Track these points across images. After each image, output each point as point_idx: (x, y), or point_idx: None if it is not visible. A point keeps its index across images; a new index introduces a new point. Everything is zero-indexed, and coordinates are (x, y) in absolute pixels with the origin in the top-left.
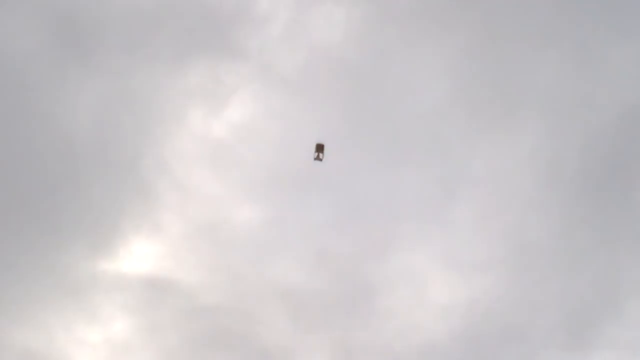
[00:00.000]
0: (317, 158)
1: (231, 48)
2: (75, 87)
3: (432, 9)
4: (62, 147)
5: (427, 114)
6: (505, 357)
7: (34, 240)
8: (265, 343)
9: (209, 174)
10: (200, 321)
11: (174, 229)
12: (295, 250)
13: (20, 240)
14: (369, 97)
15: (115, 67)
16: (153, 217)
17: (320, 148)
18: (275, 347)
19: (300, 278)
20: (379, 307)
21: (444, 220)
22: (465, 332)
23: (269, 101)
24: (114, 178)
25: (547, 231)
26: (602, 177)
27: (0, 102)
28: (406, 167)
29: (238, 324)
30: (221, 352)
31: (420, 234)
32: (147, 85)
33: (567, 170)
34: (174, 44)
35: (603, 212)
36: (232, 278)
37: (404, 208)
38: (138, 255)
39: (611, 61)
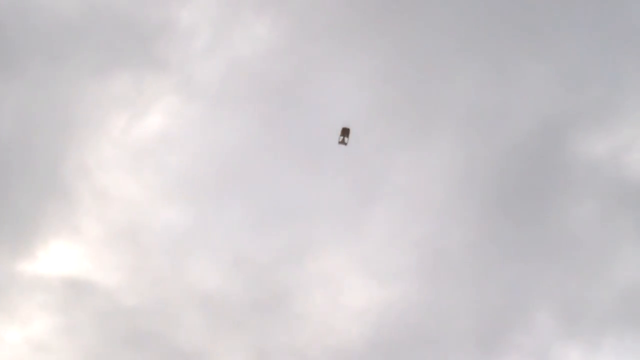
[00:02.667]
0: (342, 142)
1: (154, 59)
2: None
3: (352, 24)
4: None
5: (346, 125)
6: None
7: None
8: (183, 345)
9: (129, 179)
10: (119, 322)
11: (93, 232)
12: (213, 254)
13: None
14: (288, 109)
15: (38, 75)
16: (73, 220)
17: (345, 132)
18: (192, 349)
19: (217, 282)
20: (294, 310)
21: (360, 228)
22: (379, 336)
23: (189, 111)
24: (35, 182)
25: (460, 241)
26: (514, 189)
27: None
28: (323, 176)
29: (156, 325)
30: (139, 353)
31: (337, 241)
32: (70, 93)
33: (481, 182)
34: (98, 54)
35: (514, 223)
36: (151, 281)
37: (321, 215)
38: (57, 257)
39: (526, 77)
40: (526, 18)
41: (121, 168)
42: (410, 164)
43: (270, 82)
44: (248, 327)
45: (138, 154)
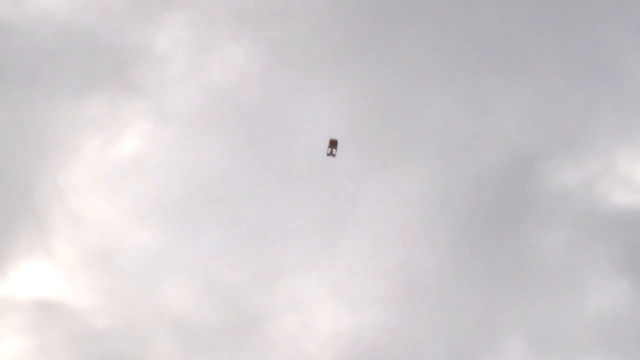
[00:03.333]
0: (330, 154)
1: (129, 84)
2: None
3: (327, 52)
4: None
5: (320, 152)
6: None
7: None
8: None
9: (102, 202)
10: (90, 344)
11: (66, 254)
12: (185, 277)
13: None
14: (262, 135)
15: (12, 98)
16: (46, 242)
17: (333, 144)
18: None
19: (189, 305)
20: (265, 335)
21: (332, 253)
22: (348, 355)
23: (164, 135)
24: (8, 204)
25: (432, 268)
26: (487, 217)
27: None
28: (296, 201)
29: (127, 347)
30: None
31: (308, 266)
32: (44, 117)
33: (455, 209)
34: (73, 78)
35: (487, 251)
36: (123, 303)
37: (294, 240)
38: (29, 278)
39: (498, 107)
40: (499, 49)
41: (95, 191)
42: (382, 191)
43: (245, 108)
44: (218, 351)
45: (112, 177)
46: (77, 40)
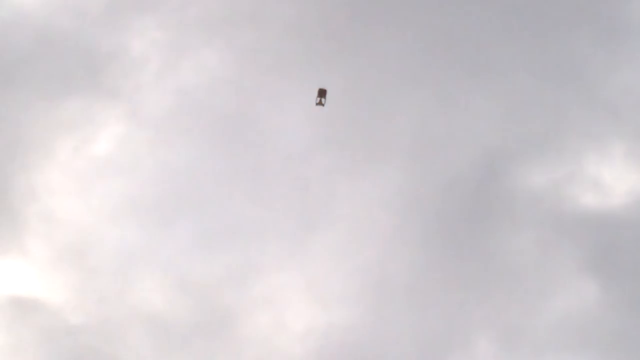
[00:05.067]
0: (320, 103)
1: (103, 87)
2: None
3: (298, 55)
4: None
5: (292, 154)
6: None
7: None
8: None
9: (76, 202)
10: (64, 341)
11: (40, 252)
12: (159, 275)
13: None
14: (234, 137)
15: None
16: (20, 241)
17: (322, 93)
18: None
19: (162, 302)
20: (239, 332)
21: (305, 252)
22: (320, 352)
23: (137, 137)
24: None
25: (403, 267)
26: (458, 217)
27: None
28: (268, 201)
29: (102, 344)
30: None
31: (281, 264)
32: (19, 118)
33: (424, 211)
34: (48, 81)
35: (456, 252)
36: (97, 301)
37: (266, 239)
38: (3, 276)
39: (469, 109)
40: (471, 52)
41: (68, 191)
42: (354, 191)
43: (217, 110)
44: (192, 348)
45: (85, 177)
46: (52, 43)
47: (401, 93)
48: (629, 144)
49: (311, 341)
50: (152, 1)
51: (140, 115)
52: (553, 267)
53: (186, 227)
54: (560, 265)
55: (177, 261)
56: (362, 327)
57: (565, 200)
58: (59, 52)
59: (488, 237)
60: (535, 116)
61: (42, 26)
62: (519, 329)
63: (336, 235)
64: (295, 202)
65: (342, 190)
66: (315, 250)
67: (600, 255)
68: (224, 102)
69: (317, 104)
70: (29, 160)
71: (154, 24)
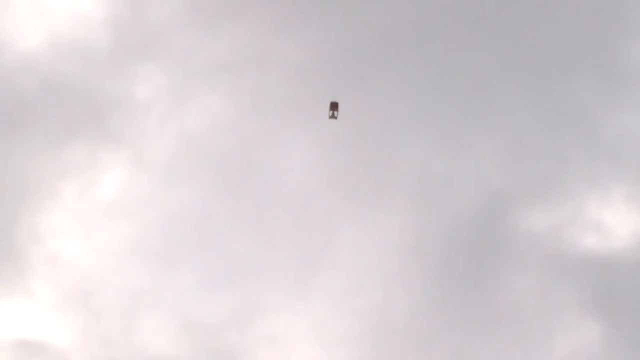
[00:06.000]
0: (332, 116)
1: (108, 132)
2: None
3: (302, 101)
4: None
5: (295, 197)
6: None
7: None
8: None
9: (80, 245)
10: None
11: (45, 295)
12: (163, 317)
13: None
14: (238, 179)
15: None
16: (25, 284)
17: (334, 106)
18: None
19: (166, 344)
20: None
21: (308, 294)
22: None
23: (141, 181)
24: None
25: (405, 309)
26: (460, 259)
27: None
28: (272, 242)
29: None
30: None
31: (284, 305)
32: (25, 163)
33: (429, 251)
34: (54, 126)
35: (460, 293)
36: (102, 343)
37: (270, 280)
38: (9, 318)
39: (473, 151)
40: (474, 96)
41: (73, 234)
42: (357, 233)
43: (220, 154)
44: None
45: (90, 221)
46: (57, 89)
47: (404, 136)
48: (630, 188)
49: None
50: (156, 48)
51: (145, 160)
52: (555, 308)
53: (190, 269)
54: (563, 307)
55: (182, 303)
56: None
57: (567, 243)
58: (64, 97)
59: (490, 278)
60: (537, 160)
61: (47, 72)
62: None
63: (338, 276)
64: (298, 244)
65: (344, 232)
66: (318, 292)
67: (602, 296)
68: (226, 147)
69: (330, 117)
70: (34, 204)
71: (158, 70)
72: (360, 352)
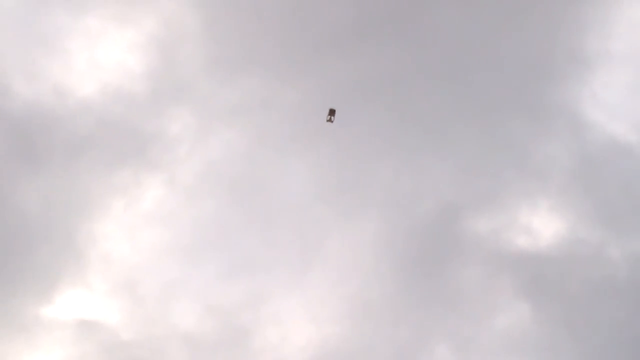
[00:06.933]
0: (330, 120)
1: (148, 160)
2: (30, 180)
3: (299, 135)
4: (17, 223)
5: (292, 208)
6: None
7: None
8: None
9: (126, 246)
10: (118, 353)
11: (99, 285)
12: (191, 302)
13: None
14: (250, 194)
15: (59, 169)
16: (84, 277)
17: (332, 112)
18: None
19: (194, 322)
20: (253, 345)
21: (304, 283)
22: None
23: (174, 197)
24: (55, 247)
25: (380, 293)
26: (422, 255)
27: None
28: (276, 243)
29: (147, 356)
30: None
31: (285, 292)
32: (83, 183)
33: (398, 249)
34: (106, 154)
35: (422, 281)
36: (143, 322)
37: (274, 273)
38: (71, 303)
39: (431, 171)
40: (433, 130)
41: (121, 238)
42: (342, 235)
43: (235, 176)
44: (217, 358)
45: (134, 228)
46: (108, 127)
47: (376, 162)
48: (552, 201)
49: (309, 351)
50: (184, 94)
51: (176, 181)
52: (495, 292)
53: (211, 264)
54: (500, 291)
55: (205, 290)
56: (349, 340)
57: (503, 242)
58: (114, 133)
59: (444, 270)
60: (481, 179)
61: (100, 113)
62: (469, 340)
63: (327, 270)
64: (295, 245)
65: (331, 236)
66: (311, 282)
67: (531, 283)
68: (239, 170)
69: (327, 121)
70: (91, 215)
71: (186, 111)
72: (345, 328)
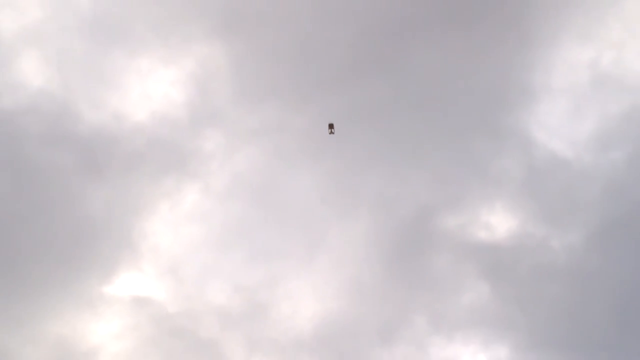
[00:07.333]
0: (331, 132)
1: (188, 171)
2: (95, 188)
3: (305, 150)
4: (85, 222)
5: (302, 209)
6: (341, 346)
7: (70, 273)
8: (204, 334)
9: (171, 240)
10: (165, 322)
11: (150, 270)
12: (222, 282)
13: (61, 273)
14: (268, 199)
15: (117, 179)
16: (138, 263)
17: (332, 126)
18: (210, 337)
19: (223, 299)
20: (270, 316)
21: (310, 269)
22: (322, 331)
23: (208, 201)
24: (115, 240)
25: (370, 276)
26: (403, 247)
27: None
28: (288, 237)
29: (188, 325)
30: (177, 339)
31: (295, 276)
32: (136, 191)
33: (384, 242)
34: (154, 167)
35: (403, 266)
36: (184, 298)
37: (286, 260)
38: (127, 283)
39: (411, 181)
40: (412, 148)
41: (166, 233)
42: (340, 232)
43: (256, 184)
44: (242, 326)
45: (176, 225)
46: (156, 144)
47: (368, 171)
48: (506, 202)
49: (315, 321)
50: (216, 118)
51: (210, 188)
52: (460, 276)
53: (237, 253)
54: (465, 275)
55: (232, 274)
56: (345, 313)
57: (468, 236)
58: (161, 150)
59: (421, 258)
60: (449, 185)
61: (150, 134)
62: (440, 313)
63: (328, 257)
64: (303, 239)
65: (332, 230)
66: (316, 267)
67: (490, 268)
68: (259, 179)
69: (329, 133)
70: (142, 215)
71: (217, 132)
72: (342, 303)
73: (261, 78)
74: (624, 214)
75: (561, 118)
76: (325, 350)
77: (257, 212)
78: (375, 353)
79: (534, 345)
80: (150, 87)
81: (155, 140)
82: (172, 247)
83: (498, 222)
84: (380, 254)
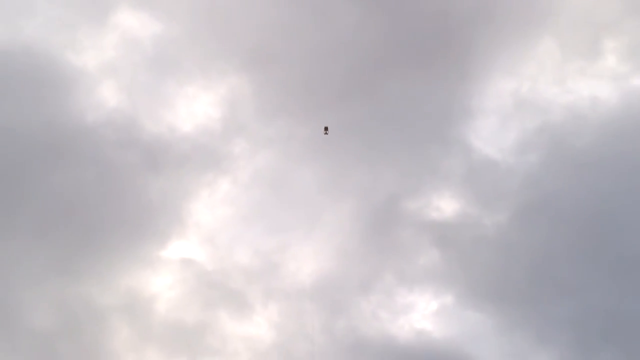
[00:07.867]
0: (325, 133)
1: (221, 169)
2: (154, 181)
3: (310, 153)
4: (147, 206)
5: (305, 196)
6: (333, 295)
7: (136, 241)
8: (235, 286)
9: (207, 219)
10: (205, 278)
11: (192, 240)
12: (247, 249)
13: (131, 241)
14: (278, 198)
15: (171, 173)
16: (185, 235)
17: (326, 129)
18: (238, 288)
19: (249, 262)
20: (282, 274)
21: (311, 239)
22: (318, 282)
23: (235, 193)
24: (168, 218)
25: (355, 246)
26: (378, 226)
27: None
28: (295, 217)
29: (223, 280)
30: (214, 290)
31: (299, 243)
32: (185, 181)
33: (364, 223)
34: (197, 168)
35: (377, 237)
36: (218, 259)
37: (294, 232)
38: (178, 248)
39: (384, 173)
40: (385, 149)
41: (206, 212)
42: (333, 211)
43: (271, 181)
44: (263, 279)
45: (212, 209)
46: (198, 149)
47: (352, 169)
48: (452, 192)
49: (314, 276)
50: (241, 131)
51: (238, 182)
52: (419, 245)
53: (257, 227)
54: (422, 244)
55: (253, 242)
56: (335, 271)
57: (425, 216)
58: (202, 153)
59: (390, 232)
60: (411, 178)
61: (192, 142)
62: (404, 272)
63: (324, 231)
64: (305, 216)
65: (327, 212)
66: (315, 237)
67: (439, 240)
68: (274, 174)
69: (324, 134)
70: (189, 199)
71: (243, 141)
72: (333, 264)
73: (275, 100)
74: (537, 201)
75: (492, 131)
76: (321, 297)
77: (272, 198)
78: (357, 299)
79: (471, 295)
80: (194, 107)
81: (197, 145)
82: (210, 223)
83: (446, 205)
84: (360, 229)
